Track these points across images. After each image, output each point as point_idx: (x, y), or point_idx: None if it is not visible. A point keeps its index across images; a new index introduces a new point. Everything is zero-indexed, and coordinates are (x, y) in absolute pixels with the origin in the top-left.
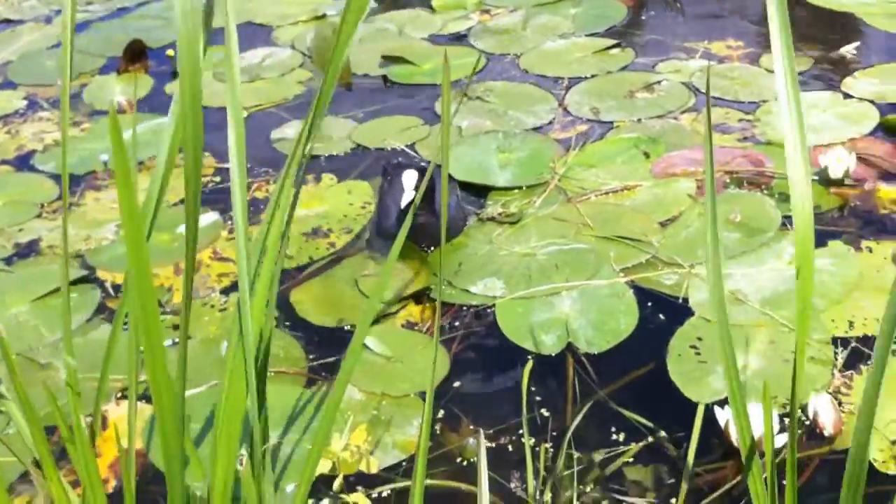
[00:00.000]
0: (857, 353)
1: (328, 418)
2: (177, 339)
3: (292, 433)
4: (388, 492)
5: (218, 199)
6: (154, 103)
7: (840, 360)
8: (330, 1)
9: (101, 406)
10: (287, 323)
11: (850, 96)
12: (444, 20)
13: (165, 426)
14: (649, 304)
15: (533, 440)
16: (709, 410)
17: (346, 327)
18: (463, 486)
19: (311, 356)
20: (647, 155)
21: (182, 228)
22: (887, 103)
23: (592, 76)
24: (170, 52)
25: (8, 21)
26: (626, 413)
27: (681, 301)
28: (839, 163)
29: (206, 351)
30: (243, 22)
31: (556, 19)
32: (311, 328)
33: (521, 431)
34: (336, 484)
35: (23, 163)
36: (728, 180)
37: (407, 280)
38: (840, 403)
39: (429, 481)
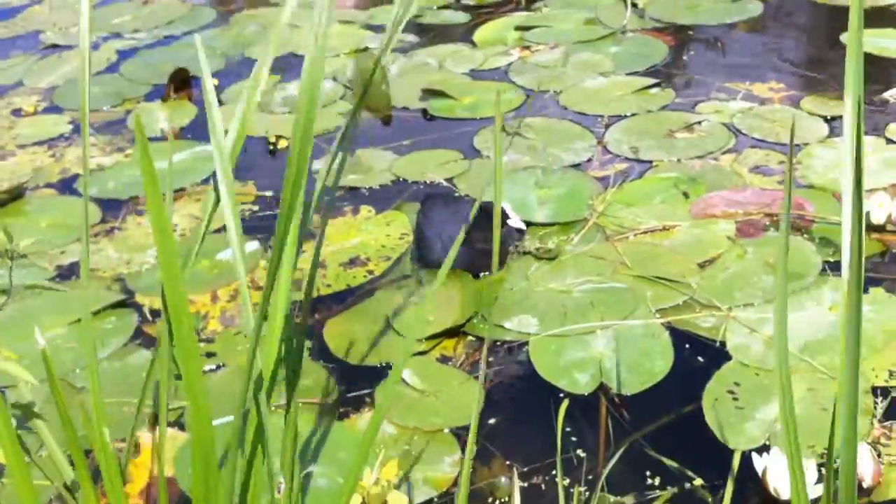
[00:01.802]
0: None
1: (362, 455)
2: (211, 367)
3: (322, 464)
4: None
5: (258, 227)
6: (197, 131)
7: (880, 410)
8: (372, 34)
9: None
10: (319, 355)
11: (894, 142)
12: (484, 55)
13: (203, 457)
14: (686, 346)
15: (567, 480)
16: (746, 457)
17: (379, 364)
18: None
19: (342, 388)
20: (686, 195)
21: (221, 255)
22: None
23: (632, 115)
24: (214, 80)
25: (55, 46)
26: (661, 457)
27: (718, 344)
28: (881, 208)
29: (240, 379)
30: (285, 53)
31: (597, 57)
32: (343, 361)
33: (554, 472)
34: None
35: (66, 186)
36: (768, 223)
37: (446, 316)
38: (879, 455)
39: None
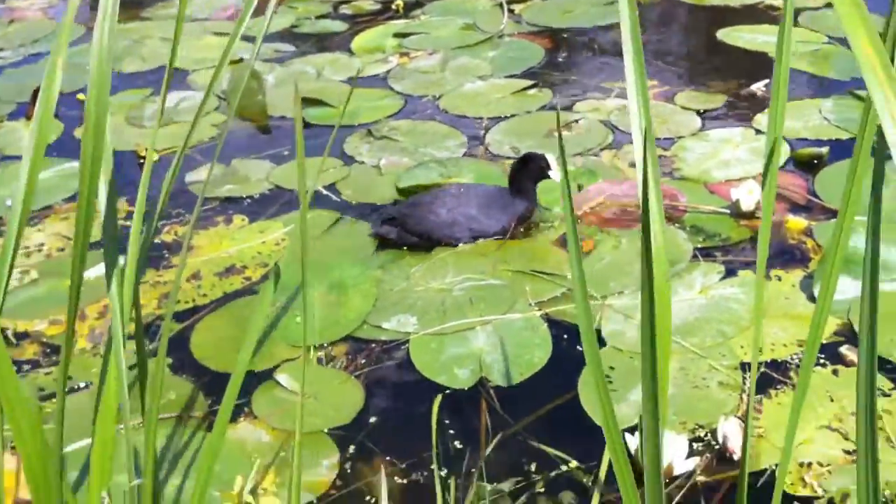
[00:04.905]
0: (765, 377)
1: (206, 468)
2: (78, 385)
3: (189, 478)
4: None
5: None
6: (63, 148)
7: (749, 385)
8: (247, 45)
9: None
10: (186, 367)
11: (762, 132)
12: (363, 63)
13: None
14: (564, 336)
15: (445, 472)
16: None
17: (252, 371)
18: None
19: (210, 400)
20: (580, 187)
21: (88, 273)
22: (798, 138)
23: (512, 116)
24: (80, 96)
25: None
26: (538, 444)
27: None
28: (750, 195)
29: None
30: (158, 66)
31: (475, 61)
32: (211, 373)
33: (433, 466)
34: None
35: None
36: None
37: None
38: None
39: None
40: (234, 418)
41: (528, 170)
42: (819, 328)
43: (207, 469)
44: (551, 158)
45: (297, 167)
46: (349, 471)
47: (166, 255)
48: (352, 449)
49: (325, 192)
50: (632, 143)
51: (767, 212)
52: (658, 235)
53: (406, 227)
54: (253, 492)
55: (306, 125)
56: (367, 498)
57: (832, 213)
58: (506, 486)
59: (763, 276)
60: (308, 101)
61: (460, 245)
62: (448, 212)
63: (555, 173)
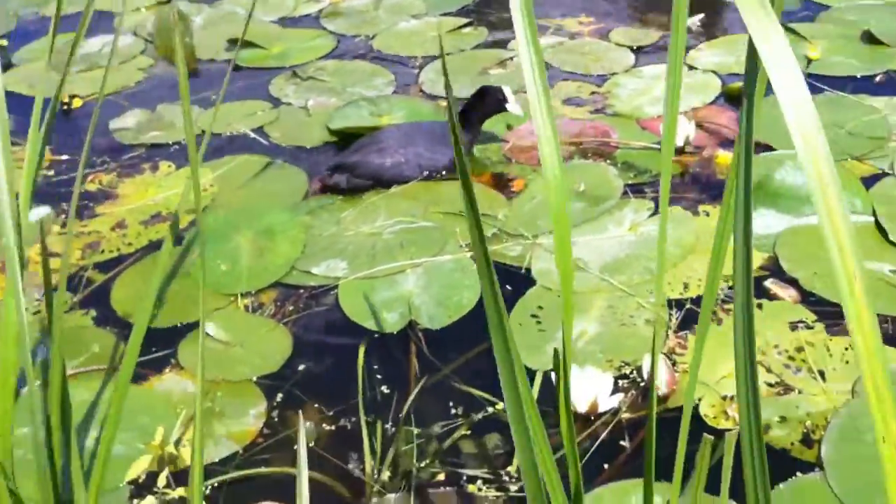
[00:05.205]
0: (691, 314)
1: (114, 417)
2: None
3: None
4: (217, 484)
5: (52, 192)
6: None
7: (675, 322)
8: None
9: None
10: (108, 319)
11: (694, 68)
12: (295, 2)
13: None
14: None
15: (373, 417)
16: (548, 378)
17: (178, 324)
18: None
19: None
20: (509, 127)
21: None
22: (729, 73)
23: (447, 54)
24: (1, 41)
25: None
26: (464, 387)
27: (524, 271)
28: (679, 130)
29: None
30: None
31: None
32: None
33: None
34: (161, 479)
35: None
36: (573, 150)
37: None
38: (674, 363)
39: (263, 469)
40: (160, 369)
41: (485, 103)
42: (718, 266)
43: (115, 419)
44: (508, 91)
45: (184, 115)
46: (276, 419)
47: (90, 205)
48: (279, 397)
49: (252, 135)
50: (565, 80)
51: (667, 151)
52: (554, 170)
53: (356, 174)
54: (177, 443)
55: (236, 68)
56: (295, 447)
57: (763, 148)
58: (433, 429)
59: (665, 225)
60: (238, 43)
61: (393, 188)
62: (395, 152)
63: (512, 105)
